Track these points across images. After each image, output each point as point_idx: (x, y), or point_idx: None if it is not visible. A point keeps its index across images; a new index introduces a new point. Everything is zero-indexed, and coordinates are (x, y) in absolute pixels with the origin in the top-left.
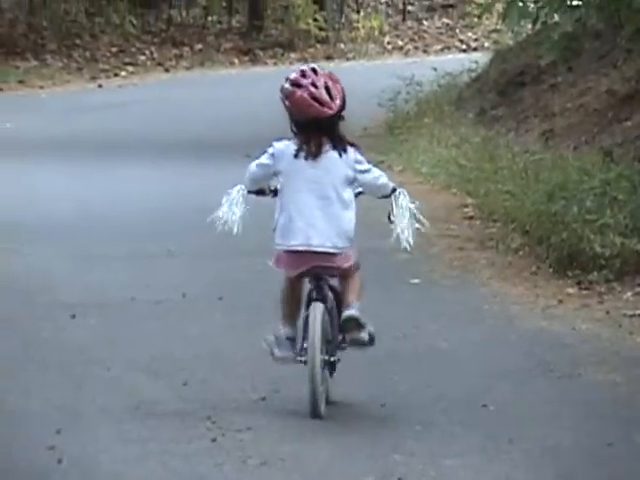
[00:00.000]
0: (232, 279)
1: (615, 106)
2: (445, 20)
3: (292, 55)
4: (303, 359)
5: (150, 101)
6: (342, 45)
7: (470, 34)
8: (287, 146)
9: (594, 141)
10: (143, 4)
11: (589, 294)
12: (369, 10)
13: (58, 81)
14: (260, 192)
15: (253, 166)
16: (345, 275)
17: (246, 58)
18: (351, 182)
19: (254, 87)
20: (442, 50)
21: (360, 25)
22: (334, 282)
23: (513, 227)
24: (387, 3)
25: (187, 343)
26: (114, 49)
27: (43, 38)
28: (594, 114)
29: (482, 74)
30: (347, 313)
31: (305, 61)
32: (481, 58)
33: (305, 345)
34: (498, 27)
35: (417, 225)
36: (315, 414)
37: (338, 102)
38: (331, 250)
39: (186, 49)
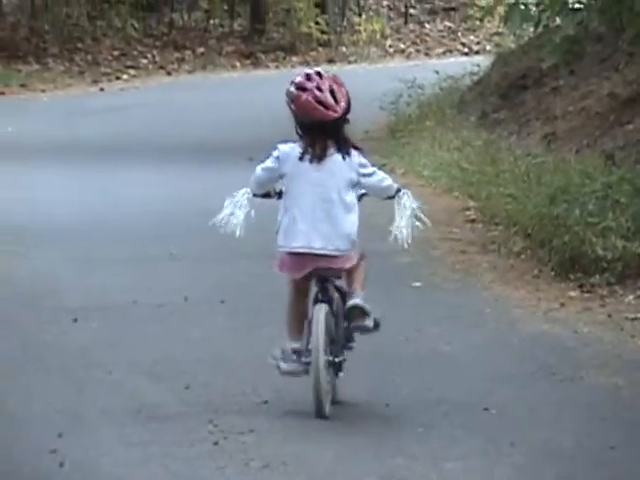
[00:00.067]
0: (234, 282)
1: (617, 109)
2: (447, 23)
3: (294, 58)
4: (307, 360)
5: (152, 104)
6: (344, 48)
7: (472, 37)
8: (292, 149)
9: (596, 144)
10: (145, 7)
11: (591, 297)
12: (371, 13)
13: (60, 85)
14: (265, 195)
15: (259, 170)
16: (350, 271)
17: (248, 61)
18: (354, 185)
19: (256, 90)
20: (444, 53)
21: (362, 28)
22: (340, 282)
23: (515, 230)
24: (389, 6)
25: (189, 346)
26: (116, 52)
27: (45, 42)
28: (596, 117)
29: (484, 77)
30: (351, 302)
31: (307, 64)
32: (483, 61)
33: (310, 346)
34: (500, 30)
35: (417, 224)
36: (320, 414)
37: (343, 105)
38: (333, 253)
39: (188, 52)
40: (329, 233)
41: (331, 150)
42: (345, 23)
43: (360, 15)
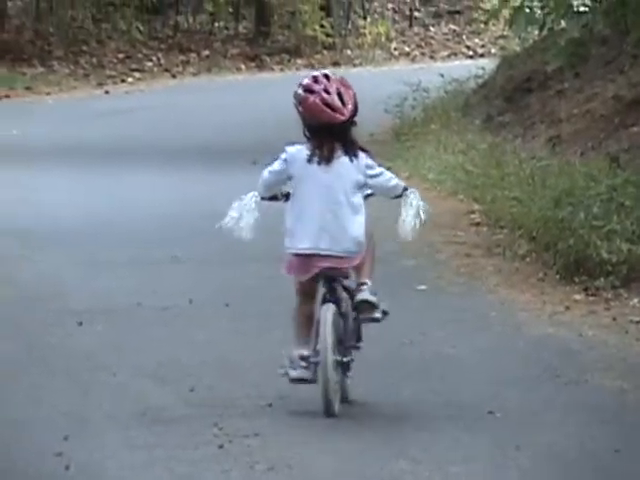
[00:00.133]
0: (239, 285)
1: (622, 112)
2: (452, 26)
3: (299, 61)
4: (316, 360)
5: (157, 107)
6: (349, 51)
7: (477, 40)
8: (299, 151)
9: (601, 147)
10: (150, 10)
11: (596, 300)
12: (376, 16)
13: (65, 87)
14: (273, 197)
15: (266, 173)
16: (358, 265)
17: (253, 64)
18: (361, 187)
19: (261, 93)
20: (449, 56)
21: (367, 31)
22: (348, 282)
23: (520, 233)
24: (394, 9)
25: (194, 349)
26: (121, 55)
27: (50, 44)
28: (601, 120)
29: (489, 80)
30: (359, 297)
31: (312, 67)
32: (488, 64)
33: (318, 347)
34: (505, 33)
35: (421, 220)
36: (328, 413)
37: (350, 108)
38: (340, 254)
39: (193, 55)
40: (337, 235)
41: (338, 152)
42: (350, 26)
43: (365, 18)
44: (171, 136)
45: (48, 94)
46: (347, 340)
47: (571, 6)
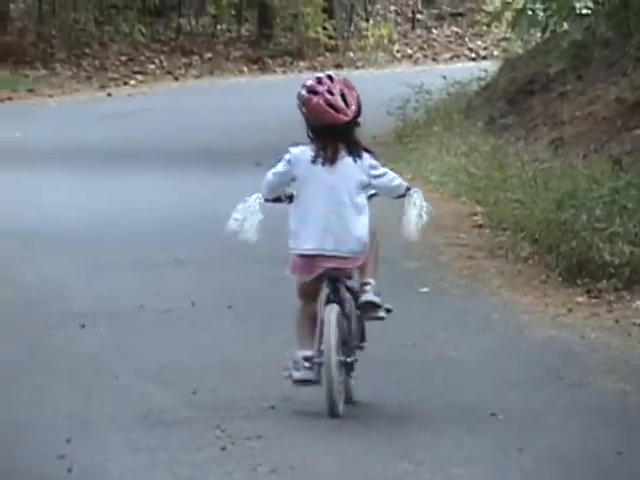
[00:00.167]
0: (241, 287)
1: (624, 114)
2: (454, 28)
3: (301, 63)
4: (320, 360)
5: (159, 110)
6: (351, 53)
7: (479, 42)
8: (303, 152)
9: (603, 149)
10: (152, 13)
11: (598, 303)
12: (378, 18)
13: (67, 90)
14: (276, 199)
15: (270, 175)
16: (362, 265)
17: (255, 66)
18: (365, 187)
19: (263, 95)
20: (451, 58)
21: (369, 33)
22: (351, 283)
23: (522, 236)
24: (396, 11)
25: (196, 352)
26: (123, 58)
27: (52, 47)
28: (603, 122)
29: (491, 82)
30: (363, 299)
31: (314, 70)
32: (490, 66)
33: (322, 347)
34: (507, 35)
35: (424, 219)
36: (333, 414)
37: (354, 108)
38: (345, 255)
39: (195, 58)
40: (341, 235)
41: (342, 153)
42: (352, 28)
43: (367, 20)
44: (174, 138)
45: (50, 96)
46: (351, 340)
47: (573, 8)
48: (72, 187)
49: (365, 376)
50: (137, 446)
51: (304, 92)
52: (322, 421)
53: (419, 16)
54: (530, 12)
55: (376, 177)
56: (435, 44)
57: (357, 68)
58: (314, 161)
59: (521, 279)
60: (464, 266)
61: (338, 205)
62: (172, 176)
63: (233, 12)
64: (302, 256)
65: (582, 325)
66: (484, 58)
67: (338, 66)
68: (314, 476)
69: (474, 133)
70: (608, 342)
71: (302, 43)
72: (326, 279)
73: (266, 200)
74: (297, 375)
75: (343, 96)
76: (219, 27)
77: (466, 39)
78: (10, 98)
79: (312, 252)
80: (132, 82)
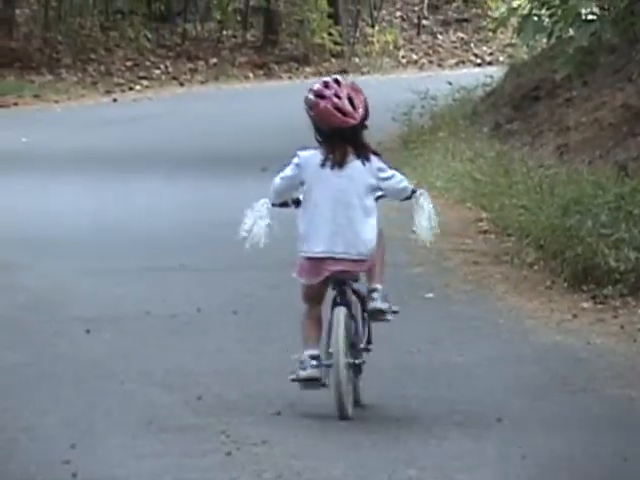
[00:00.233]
0: (247, 293)
1: (630, 120)
2: (460, 34)
3: (307, 69)
4: (328, 362)
5: (165, 115)
6: (357, 59)
7: (485, 48)
8: (313, 155)
9: (609, 155)
10: (158, 18)
11: (604, 308)
12: (384, 24)
13: (73, 95)
14: (283, 204)
15: (277, 179)
16: (369, 270)
17: (261, 72)
18: (373, 190)
19: (269, 101)
20: (457, 64)
21: (375, 39)
22: (357, 286)
23: (528, 241)
24: (402, 17)
25: (202, 357)
26: (129, 63)
27: (58, 52)
28: (609, 128)
29: (497, 88)
30: (371, 307)
31: (320, 75)
32: (496, 72)
33: (330, 349)
34: (513, 41)
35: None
36: (342, 416)
37: (361, 112)
38: (355, 257)
39: (201, 63)
40: (351, 238)
41: (351, 156)
42: (358, 34)
43: (373, 26)
44: (179, 144)
45: (56, 102)
46: (358, 342)
47: (579, 14)
48: (78, 192)
49: (370, 382)
50: (142, 452)
51: (311, 96)
52: (327, 427)
53: (425, 22)
54: (536, 18)
55: (384, 180)
56: (441, 50)
57: (363, 74)
58: (323, 165)
59: (526, 285)
60: (469, 272)
61: (347, 208)
62: (177, 181)
63: (239, 18)
64: (310, 259)
65: (587, 331)
66: (490, 64)
67: (344, 72)
68: None
69: (479, 139)
70: (613, 348)
71: (308, 49)
72: (332, 282)
73: (273, 205)
74: (303, 374)
75: (350, 99)
76: (225, 33)
77: (472, 45)
78: (16, 104)
79: (322, 255)
80: (137, 87)
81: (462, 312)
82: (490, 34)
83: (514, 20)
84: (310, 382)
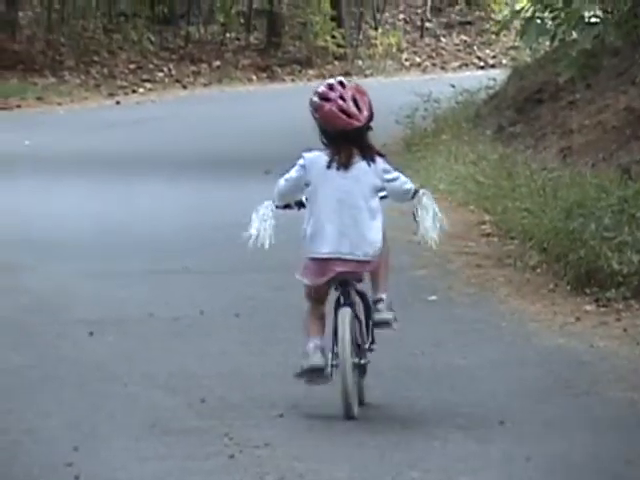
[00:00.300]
0: (249, 295)
1: (633, 123)
2: (463, 37)
3: (310, 72)
4: (335, 363)
5: (168, 118)
6: (360, 62)
7: (488, 51)
8: (318, 157)
9: (612, 158)
10: (161, 21)
11: (607, 311)
12: (387, 27)
13: (76, 98)
14: (286, 206)
15: (282, 182)
16: (373, 272)
17: (264, 75)
18: (378, 191)
19: (272, 104)
20: (460, 67)
21: (378, 42)
22: (361, 287)
23: (531, 244)
24: (405, 20)
25: (205, 360)
26: (132, 66)
27: (61, 55)
28: (612, 131)
29: (500, 91)
30: (377, 318)
31: (323, 78)
32: (499, 75)
33: (336, 350)
34: (516, 44)
35: (441, 223)
36: (348, 416)
37: (366, 113)
38: (361, 258)
39: (204, 66)
40: (357, 239)
41: (356, 158)
42: (361, 36)
43: (376, 29)
44: (182, 147)
45: (59, 104)
46: (363, 343)
47: (582, 17)
48: (80, 195)
49: (373, 385)
50: (145, 454)
51: (316, 99)
52: (330, 429)
53: (428, 24)
54: (539, 21)
55: (389, 181)
56: (444, 53)
57: (366, 76)
58: (329, 166)
59: (529, 288)
60: (472, 274)
61: (353, 209)
62: (181, 184)
63: (242, 20)
64: (316, 260)
65: (590, 334)
66: (493, 67)
67: (347, 74)
68: None
69: (482, 142)
70: (616, 351)
71: (311, 51)
72: (336, 283)
73: (277, 207)
74: (306, 363)
75: (355, 101)
76: (228, 35)
77: (475, 48)
78: (19, 106)
79: (328, 256)
80: (141, 90)
81: (465, 315)
82: (493, 37)
83: (517, 23)
84: (314, 374)
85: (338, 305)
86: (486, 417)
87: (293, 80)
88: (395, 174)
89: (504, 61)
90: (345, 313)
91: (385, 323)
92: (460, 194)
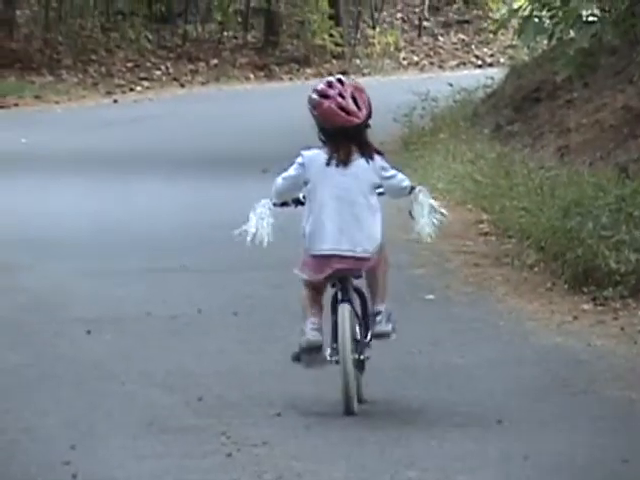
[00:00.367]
0: (247, 294)
1: (631, 122)
2: (461, 36)
3: (308, 71)
4: (335, 359)
5: (165, 116)
6: (358, 61)
7: (486, 50)
8: (317, 154)
9: (610, 157)
10: (159, 19)
11: (604, 310)
12: (385, 26)
13: (74, 96)
14: (284, 204)
15: (280, 180)
16: (370, 272)
17: (262, 73)
18: (377, 188)
19: (269, 102)
20: (458, 66)
21: (376, 41)
22: (358, 284)
23: (528, 243)
24: (403, 19)
25: (203, 358)
26: (129, 64)
27: (59, 53)
28: (610, 130)
29: (498, 90)
30: (376, 330)
31: (321, 77)
32: (497, 74)
33: (335, 346)
34: (514, 43)
35: (437, 217)
36: (348, 411)
37: (364, 111)
38: (361, 254)
39: (202, 64)
40: (356, 235)
41: (355, 155)
42: (359, 35)
43: (374, 28)
44: (180, 145)
45: (57, 103)
46: (361, 338)
47: (580, 16)
48: (78, 193)
49: (371, 383)
50: (142, 453)
51: (315, 96)
52: (328, 428)
53: (426, 23)
54: (536, 19)
55: (387, 178)
56: (441, 51)
57: (363, 75)
58: (328, 163)
59: (527, 286)
60: (470, 273)
61: (353, 206)
62: (178, 183)
63: (239, 19)
64: (316, 256)
65: (588, 333)
66: (490, 65)
67: (344, 73)
68: None
69: (480, 140)
70: (614, 350)
71: (308, 50)
72: (335, 279)
73: (274, 205)
74: (304, 340)
75: (354, 99)
76: (225, 34)
77: (472, 46)
78: (16, 104)
79: (328, 252)
80: (138, 88)
81: (463, 314)
82: (491, 36)
83: (515, 22)
84: (312, 351)
85: (336, 301)
86: (484, 416)
87: (291, 79)
88: (393, 172)
89: (502, 60)
90: (344, 309)
91: (384, 335)
92: (458, 193)
